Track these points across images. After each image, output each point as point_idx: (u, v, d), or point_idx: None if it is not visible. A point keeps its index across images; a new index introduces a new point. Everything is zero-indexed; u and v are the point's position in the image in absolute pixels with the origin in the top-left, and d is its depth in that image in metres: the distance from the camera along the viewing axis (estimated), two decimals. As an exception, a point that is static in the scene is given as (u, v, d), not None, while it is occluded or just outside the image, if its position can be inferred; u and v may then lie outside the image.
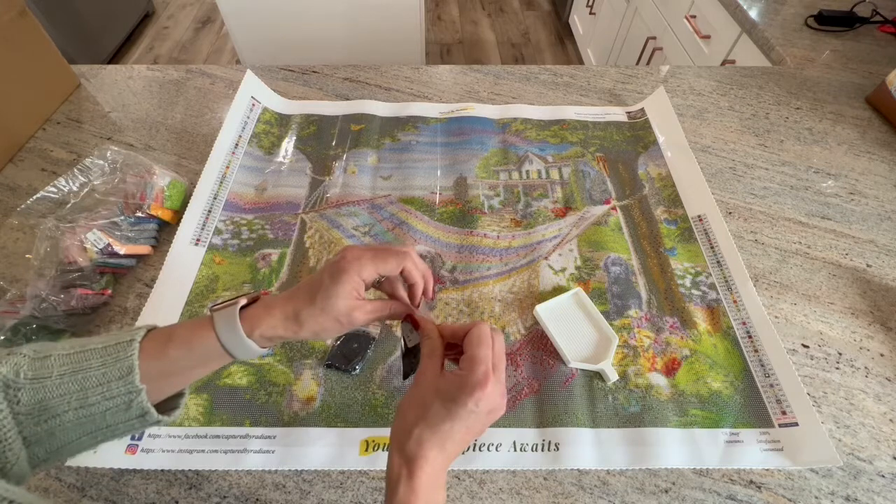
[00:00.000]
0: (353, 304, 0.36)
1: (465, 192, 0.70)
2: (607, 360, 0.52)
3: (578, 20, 2.43)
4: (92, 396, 0.31)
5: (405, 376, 0.41)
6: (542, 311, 0.56)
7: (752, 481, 0.47)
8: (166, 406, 0.35)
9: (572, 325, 0.56)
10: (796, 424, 0.49)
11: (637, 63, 1.65)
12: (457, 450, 0.33)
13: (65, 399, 0.30)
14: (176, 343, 0.33)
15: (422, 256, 0.62)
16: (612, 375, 0.52)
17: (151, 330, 0.34)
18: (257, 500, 0.44)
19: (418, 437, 0.32)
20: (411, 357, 0.40)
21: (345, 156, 0.74)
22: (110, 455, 0.45)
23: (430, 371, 0.35)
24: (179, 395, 0.37)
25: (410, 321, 0.40)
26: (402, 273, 0.38)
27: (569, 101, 0.86)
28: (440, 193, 0.70)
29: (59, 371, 0.31)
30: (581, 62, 2.39)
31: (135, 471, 0.45)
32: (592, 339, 0.55)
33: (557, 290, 0.59)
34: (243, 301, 0.35)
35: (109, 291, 0.56)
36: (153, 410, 0.32)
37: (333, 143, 0.76)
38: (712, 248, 0.64)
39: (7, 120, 0.71)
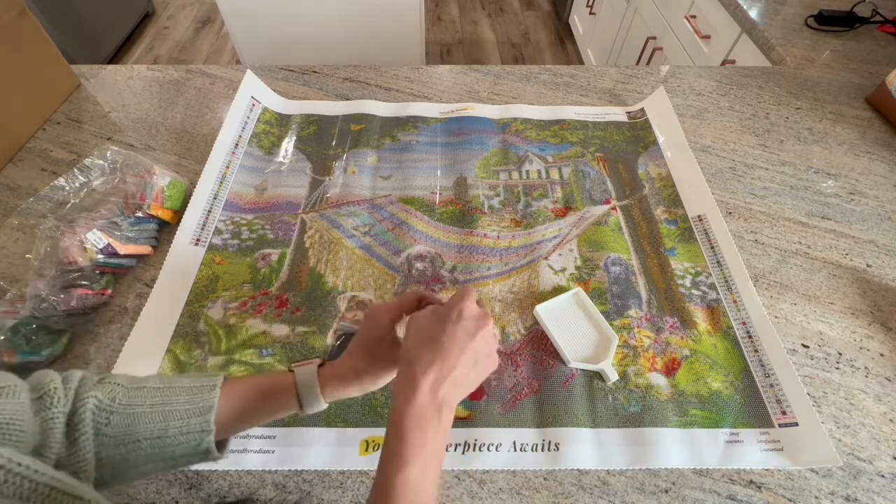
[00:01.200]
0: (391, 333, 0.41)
1: (465, 192, 0.70)
2: (607, 360, 0.52)
3: (578, 20, 2.43)
4: (172, 429, 0.34)
5: (333, 357, 0.47)
6: (543, 311, 0.56)
7: (752, 481, 0.47)
8: (220, 446, 0.38)
9: (572, 325, 0.56)
10: (796, 424, 0.49)
11: (637, 63, 1.65)
12: (456, 368, 0.35)
13: (149, 427, 0.33)
14: (254, 392, 0.37)
15: (422, 256, 0.62)
16: (613, 375, 0.52)
17: (230, 380, 0.38)
18: (257, 500, 0.44)
19: (418, 352, 0.35)
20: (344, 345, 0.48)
21: (345, 156, 0.74)
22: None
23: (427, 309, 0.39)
24: (226, 441, 0.39)
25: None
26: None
27: (569, 101, 0.86)
28: (440, 193, 0.70)
29: (150, 402, 0.34)
30: (581, 62, 2.39)
31: (135, 471, 0.45)
32: (592, 339, 0.55)
33: (557, 290, 0.59)
34: (318, 361, 0.40)
35: (109, 291, 0.56)
36: (215, 449, 0.35)
37: (333, 143, 0.76)
38: (712, 248, 0.64)
39: (7, 120, 0.71)
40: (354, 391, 0.40)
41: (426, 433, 0.32)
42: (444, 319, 0.36)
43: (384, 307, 0.42)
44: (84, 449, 0.31)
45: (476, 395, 0.51)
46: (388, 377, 0.41)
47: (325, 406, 0.39)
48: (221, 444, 0.37)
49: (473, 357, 0.35)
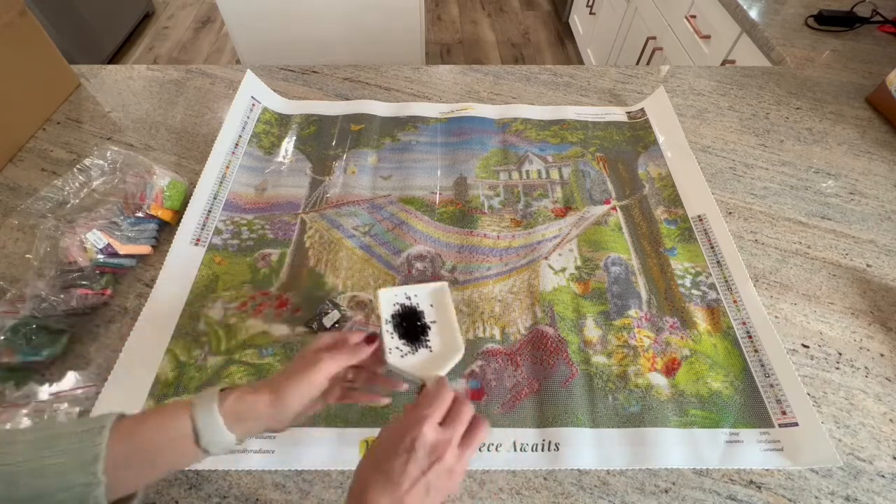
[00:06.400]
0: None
1: (465, 192, 0.70)
2: (437, 370, 0.42)
3: (578, 20, 2.43)
4: (51, 486, 0.29)
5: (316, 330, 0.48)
6: (385, 295, 0.47)
7: (752, 481, 0.47)
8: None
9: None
10: (796, 424, 0.49)
11: (637, 63, 1.65)
12: (404, 500, 0.32)
13: (28, 487, 0.29)
14: (147, 423, 0.33)
15: (422, 256, 0.62)
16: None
17: (125, 417, 0.34)
18: (257, 500, 0.44)
19: (372, 477, 0.32)
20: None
21: (345, 156, 0.74)
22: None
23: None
24: (132, 496, 0.35)
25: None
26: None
27: (569, 101, 0.86)
28: (440, 193, 0.70)
29: (24, 457, 0.30)
30: (581, 62, 2.39)
31: (135, 471, 0.45)
32: (434, 343, 0.45)
33: (558, 290, 0.59)
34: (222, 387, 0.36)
35: (109, 291, 0.56)
36: None
37: (333, 143, 0.76)
38: (712, 248, 0.64)
39: (7, 120, 0.71)
40: (264, 404, 0.36)
41: None
42: (397, 447, 0.33)
43: (327, 363, 0.38)
44: None
45: (476, 396, 0.51)
46: (301, 410, 0.38)
47: (229, 436, 0.34)
48: (128, 500, 0.33)
49: (425, 488, 0.32)
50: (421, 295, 0.48)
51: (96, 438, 0.31)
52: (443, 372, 0.42)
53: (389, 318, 0.45)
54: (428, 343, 0.45)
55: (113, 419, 0.32)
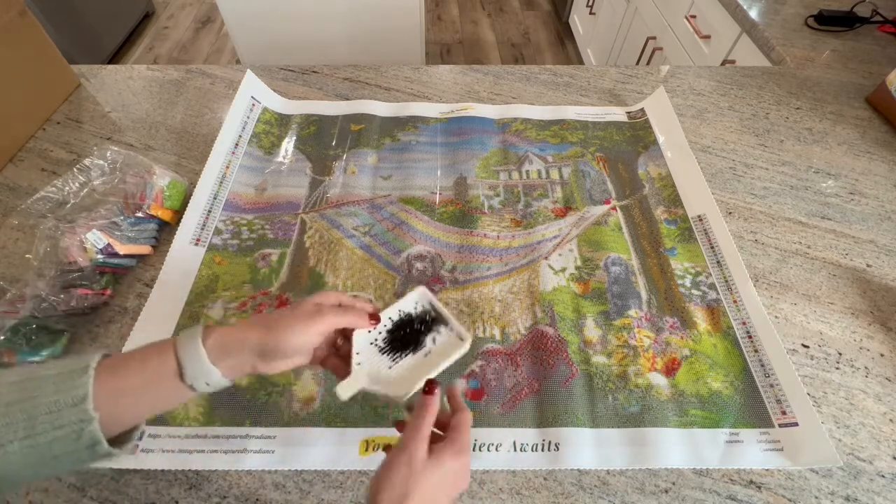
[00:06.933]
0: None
1: (465, 192, 0.70)
2: (405, 394, 0.39)
3: (578, 20, 2.43)
4: (40, 426, 0.29)
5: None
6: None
7: (752, 481, 0.47)
8: (118, 440, 0.34)
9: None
10: (796, 424, 0.49)
11: (637, 63, 1.65)
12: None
13: (11, 429, 0.29)
14: (131, 362, 0.33)
15: (422, 256, 0.62)
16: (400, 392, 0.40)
17: (108, 356, 0.33)
18: (257, 500, 0.44)
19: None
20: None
21: (345, 156, 0.74)
22: (110, 455, 0.45)
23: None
24: (134, 428, 0.35)
25: None
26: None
27: (569, 101, 0.86)
28: (440, 193, 0.70)
29: (6, 399, 0.29)
30: (581, 62, 2.39)
31: (135, 471, 0.45)
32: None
33: (558, 290, 0.59)
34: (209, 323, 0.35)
35: (109, 291, 0.56)
36: (104, 441, 0.30)
37: (333, 143, 0.76)
38: (712, 248, 0.64)
39: (7, 120, 0.71)
40: (254, 340, 0.35)
41: None
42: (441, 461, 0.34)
43: (330, 317, 0.38)
44: None
45: (476, 396, 0.51)
46: (290, 357, 0.36)
47: (215, 371, 0.33)
48: (122, 438, 0.33)
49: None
50: (406, 306, 0.45)
51: (82, 377, 0.30)
52: (406, 396, 0.39)
53: (375, 342, 0.43)
54: (437, 337, 0.44)
55: (98, 358, 0.32)
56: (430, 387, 0.38)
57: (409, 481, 0.32)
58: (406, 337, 0.44)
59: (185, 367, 0.33)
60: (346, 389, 0.39)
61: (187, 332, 0.34)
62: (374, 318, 0.41)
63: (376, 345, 0.43)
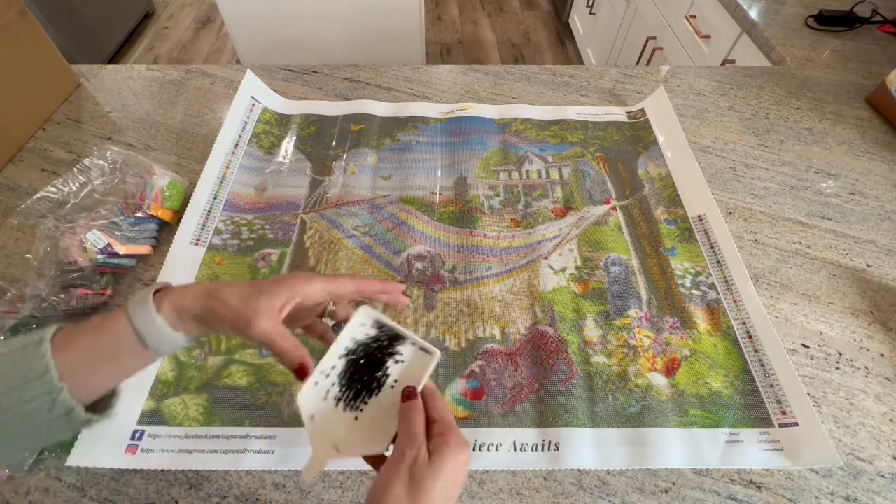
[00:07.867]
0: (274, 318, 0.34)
1: (465, 192, 0.70)
2: (386, 440, 0.34)
3: (578, 20, 2.43)
4: (7, 402, 0.29)
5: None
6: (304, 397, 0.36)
7: (752, 481, 0.47)
8: (98, 407, 0.33)
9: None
10: (796, 424, 0.49)
11: (637, 63, 1.65)
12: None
13: None
14: (86, 331, 0.32)
15: (422, 256, 0.62)
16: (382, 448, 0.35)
17: (61, 328, 0.33)
18: (257, 500, 0.44)
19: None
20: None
21: (345, 156, 0.74)
22: (110, 455, 0.45)
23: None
24: (112, 394, 0.35)
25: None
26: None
27: (569, 101, 0.86)
28: (440, 193, 0.70)
29: None
30: (581, 62, 2.39)
31: (135, 471, 0.45)
32: (406, 356, 0.38)
33: (558, 290, 0.59)
34: (160, 286, 0.35)
35: (109, 291, 0.56)
36: (79, 407, 0.30)
37: (333, 143, 0.76)
38: (712, 248, 0.64)
39: (7, 120, 0.71)
40: (200, 303, 0.33)
41: None
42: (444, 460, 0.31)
43: (321, 280, 0.36)
44: None
45: (476, 396, 0.51)
46: (272, 316, 0.34)
47: (171, 332, 0.32)
48: (102, 405, 0.33)
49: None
50: (355, 332, 0.39)
51: (38, 350, 0.30)
52: (424, 381, 0.36)
53: (327, 395, 0.37)
54: (399, 359, 0.38)
55: (52, 331, 0.32)
56: (407, 394, 0.35)
57: (416, 496, 0.29)
58: (364, 371, 0.38)
59: (145, 338, 0.32)
60: (309, 473, 0.33)
61: (137, 302, 0.33)
62: (302, 371, 0.35)
63: (331, 398, 0.36)
